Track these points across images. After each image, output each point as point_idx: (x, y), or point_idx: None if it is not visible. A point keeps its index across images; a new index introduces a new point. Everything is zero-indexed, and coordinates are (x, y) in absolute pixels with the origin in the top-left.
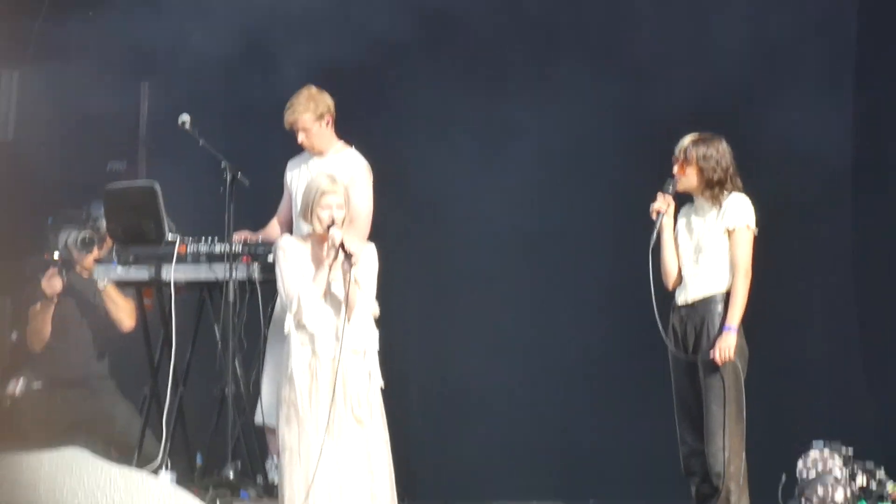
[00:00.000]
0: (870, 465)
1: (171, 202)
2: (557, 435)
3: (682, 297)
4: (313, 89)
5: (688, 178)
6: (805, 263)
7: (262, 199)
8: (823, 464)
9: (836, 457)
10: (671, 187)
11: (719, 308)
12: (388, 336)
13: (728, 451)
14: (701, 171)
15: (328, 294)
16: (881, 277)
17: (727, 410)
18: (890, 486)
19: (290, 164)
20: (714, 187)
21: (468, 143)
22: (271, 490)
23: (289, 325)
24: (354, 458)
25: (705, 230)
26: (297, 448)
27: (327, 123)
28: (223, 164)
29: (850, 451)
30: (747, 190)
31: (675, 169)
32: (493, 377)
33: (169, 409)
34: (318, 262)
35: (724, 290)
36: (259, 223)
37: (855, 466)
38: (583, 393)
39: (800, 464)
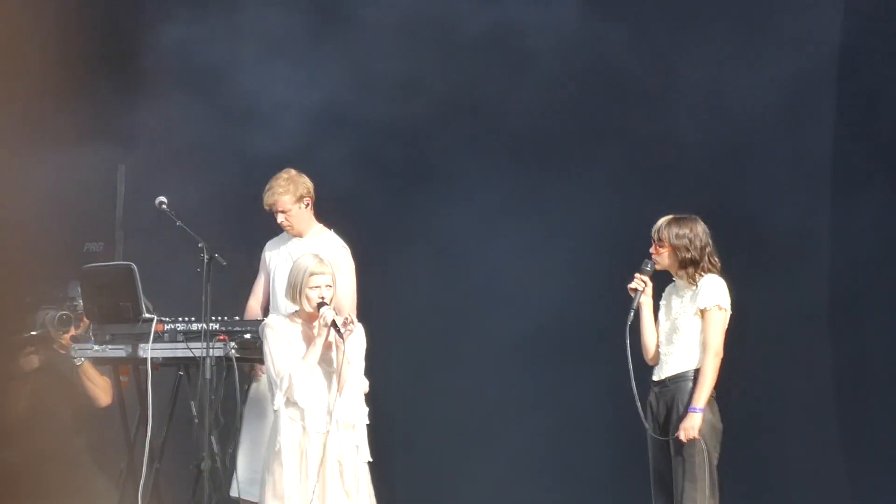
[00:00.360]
0: None
1: (148, 283)
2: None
3: (657, 374)
4: (292, 172)
5: (662, 258)
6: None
7: (239, 279)
8: None
9: None
10: (648, 267)
11: (689, 386)
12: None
13: None
14: (674, 250)
15: (318, 371)
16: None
17: (698, 486)
18: None
19: (268, 245)
20: (688, 267)
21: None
22: None
23: (279, 402)
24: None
25: (681, 310)
26: None
27: (307, 205)
28: (200, 244)
29: None
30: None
31: (652, 249)
32: (485, 424)
33: (145, 484)
34: (307, 339)
35: (695, 367)
36: (236, 303)
37: None
38: (560, 465)
39: None
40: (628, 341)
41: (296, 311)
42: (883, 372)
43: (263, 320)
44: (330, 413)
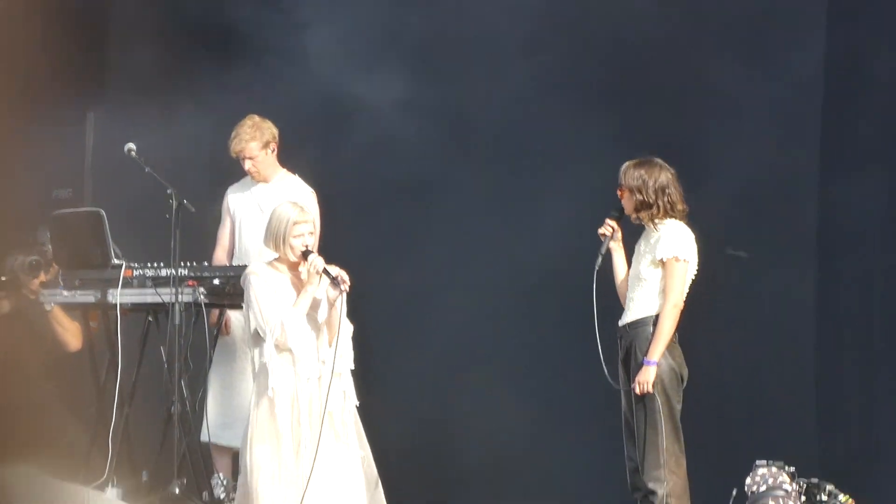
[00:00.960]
0: (814, 480)
1: (117, 229)
2: (526, 449)
3: (621, 320)
4: (256, 118)
5: (626, 202)
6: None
7: (208, 226)
8: (773, 478)
9: (783, 473)
10: (615, 212)
11: (648, 332)
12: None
13: (664, 470)
14: (631, 192)
15: (308, 318)
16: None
17: (661, 429)
18: (842, 497)
19: (230, 190)
20: (642, 210)
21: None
22: None
23: (269, 349)
24: (332, 475)
25: (641, 256)
26: (271, 467)
27: (272, 151)
28: (169, 191)
29: (793, 469)
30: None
31: (618, 193)
32: (472, 396)
33: (115, 428)
34: (294, 287)
35: (654, 314)
36: (205, 249)
37: (801, 481)
38: (547, 411)
39: (748, 479)
40: (594, 286)
41: (276, 258)
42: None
43: (245, 268)
44: (322, 361)
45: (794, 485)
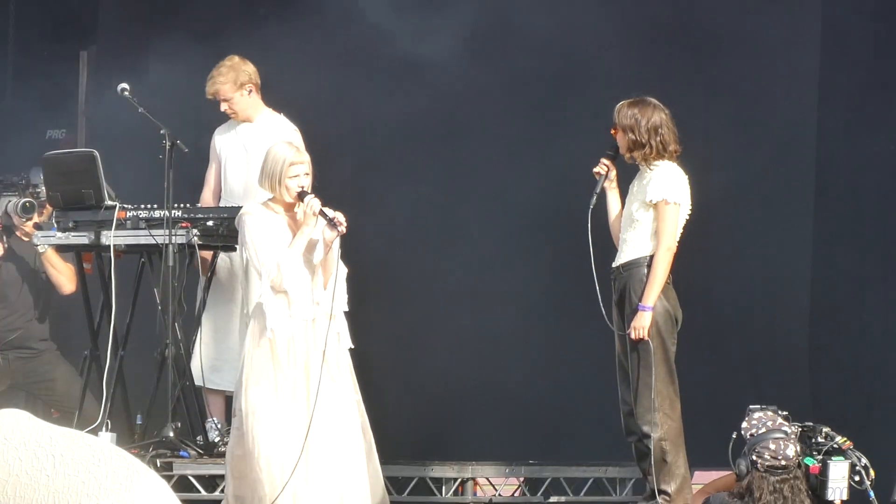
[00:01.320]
0: (809, 423)
1: (110, 170)
2: (519, 397)
3: (615, 261)
4: (235, 59)
5: (620, 141)
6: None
7: (201, 165)
8: (771, 421)
9: (779, 416)
10: (611, 151)
11: (641, 273)
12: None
13: (658, 413)
14: (624, 131)
15: (300, 258)
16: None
17: (655, 372)
18: (840, 439)
19: (217, 131)
20: (634, 149)
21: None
22: (210, 449)
23: (265, 290)
24: (328, 417)
25: (634, 197)
26: (267, 409)
27: (249, 92)
28: (162, 131)
29: (786, 413)
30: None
31: (612, 132)
32: (465, 339)
33: (109, 371)
34: (290, 228)
35: (648, 254)
36: (199, 190)
37: (796, 425)
38: (543, 353)
39: (744, 423)
40: (590, 225)
41: (271, 199)
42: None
43: (240, 208)
44: (317, 303)
45: (791, 427)
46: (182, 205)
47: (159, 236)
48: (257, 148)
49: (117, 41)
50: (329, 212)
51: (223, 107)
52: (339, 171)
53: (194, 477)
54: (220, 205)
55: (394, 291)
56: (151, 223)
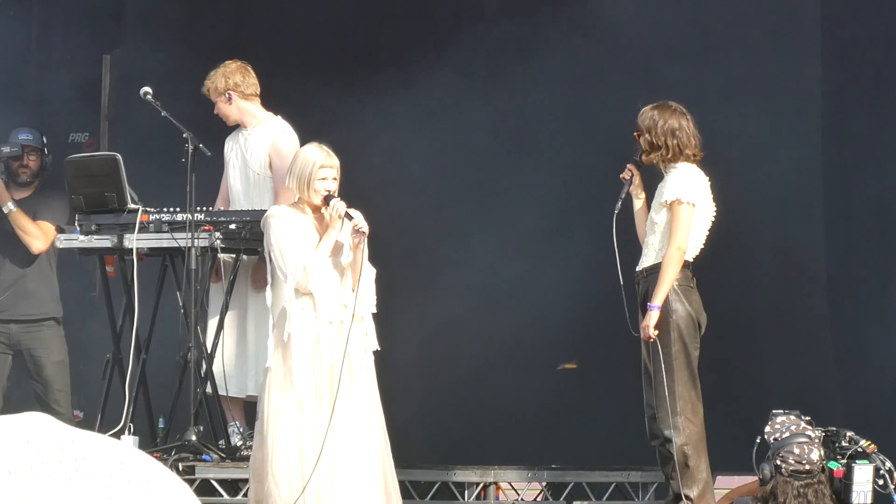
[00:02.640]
0: (833, 428)
1: (133, 173)
2: (542, 401)
3: (638, 266)
4: (232, 65)
5: (641, 145)
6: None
7: (223, 169)
8: (795, 426)
9: (802, 421)
10: (636, 156)
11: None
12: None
13: (680, 418)
14: (644, 133)
15: (328, 261)
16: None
17: (677, 377)
18: (864, 442)
19: (228, 138)
20: (652, 152)
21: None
22: (233, 453)
23: (290, 293)
24: (350, 420)
25: (654, 201)
26: (289, 414)
27: (229, 99)
28: (185, 135)
29: (809, 418)
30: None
31: (635, 135)
32: (482, 348)
33: (132, 374)
34: (317, 230)
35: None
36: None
37: (819, 429)
38: (566, 359)
39: (767, 428)
40: (615, 230)
41: (297, 201)
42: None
43: (263, 212)
44: (344, 305)
45: (815, 431)
46: (204, 208)
47: (182, 239)
48: (249, 154)
49: (141, 44)
50: (354, 213)
51: (215, 111)
52: (365, 168)
53: (216, 481)
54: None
55: (417, 293)
56: (174, 226)
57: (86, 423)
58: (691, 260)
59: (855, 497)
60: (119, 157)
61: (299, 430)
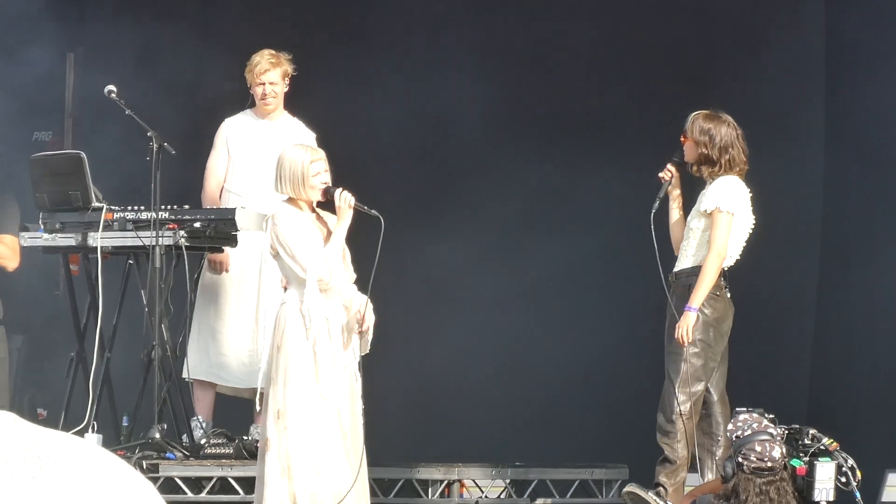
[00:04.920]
0: (796, 426)
1: (97, 172)
2: (506, 399)
3: (675, 267)
4: (274, 52)
5: (688, 151)
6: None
7: (188, 167)
8: (757, 423)
9: (765, 419)
10: (677, 157)
11: (692, 282)
12: None
13: (677, 416)
14: (696, 144)
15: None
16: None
17: (683, 379)
18: (826, 440)
19: (228, 121)
20: (704, 164)
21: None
22: (196, 451)
23: (311, 288)
24: (350, 409)
25: (694, 209)
26: (307, 412)
27: (287, 85)
28: (149, 133)
29: (773, 416)
30: None
31: (682, 139)
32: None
33: (95, 372)
34: (320, 225)
35: (699, 264)
36: (186, 191)
37: (783, 427)
38: (529, 357)
39: (730, 426)
40: (653, 229)
41: (288, 200)
42: None
43: (267, 215)
44: (358, 298)
45: (777, 429)
46: (169, 206)
47: (146, 238)
48: (277, 147)
49: (105, 43)
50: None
51: (266, 89)
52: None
53: (180, 479)
54: (226, 198)
55: (381, 292)
56: (138, 225)
57: (49, 422)
58: (725, 269)
59: (817, 494)
60: (83, 155)
61: (319, 426)
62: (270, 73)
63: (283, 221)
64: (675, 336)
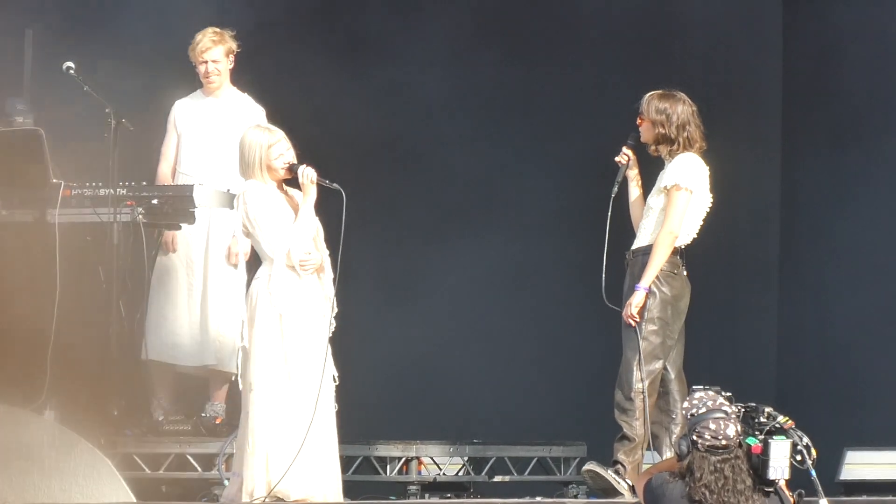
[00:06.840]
0: (752, 404)
1: (56, 148)
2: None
3: (632, 245)
4: (217, 29)
5: (645, 131)
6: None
7: (146, 143)
8: (712, 401)
9: (721, 397)
10: (631, 140)
11: (647, 259)
12: None
13: (636, 393)
14: (653, 124)
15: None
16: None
17: (640, 357)
18: (781, 418)
19: (178, 104)
20: (661, 143)
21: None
22: (155, 427)
23: (279, 266)
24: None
25: (654, 187)
26: (276, 388)
27: (231, 63)
28: (107, 109)
29: (730, 394)
30: None
31: (637, 121)
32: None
33: (53, 348)
34: (288, 203)
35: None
36: (143, 168)
37: (738, 405)
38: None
39: (686, 403)
40: (609, 213)
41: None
42: None
43: (235, 192)
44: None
45: (733, 407)
46: (127, 183)
47: (104, 214)
48: (224, 124)
49: (63, 18)
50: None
51: (210, 67)
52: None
53: (138, 455)
54: (177, 178)
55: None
56: (96, 201)
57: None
58: (682, 247)
59: (772, 472)
60: (41, 131)
61: (291, 408)
62: (212, 50)
63: (252, 199)
64: (623, 315)
